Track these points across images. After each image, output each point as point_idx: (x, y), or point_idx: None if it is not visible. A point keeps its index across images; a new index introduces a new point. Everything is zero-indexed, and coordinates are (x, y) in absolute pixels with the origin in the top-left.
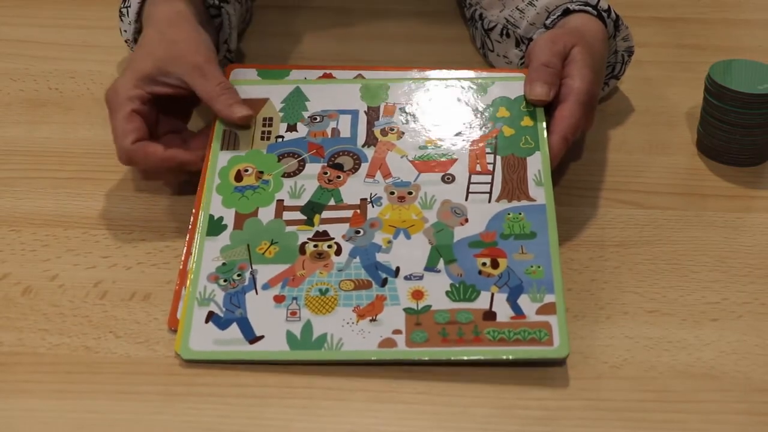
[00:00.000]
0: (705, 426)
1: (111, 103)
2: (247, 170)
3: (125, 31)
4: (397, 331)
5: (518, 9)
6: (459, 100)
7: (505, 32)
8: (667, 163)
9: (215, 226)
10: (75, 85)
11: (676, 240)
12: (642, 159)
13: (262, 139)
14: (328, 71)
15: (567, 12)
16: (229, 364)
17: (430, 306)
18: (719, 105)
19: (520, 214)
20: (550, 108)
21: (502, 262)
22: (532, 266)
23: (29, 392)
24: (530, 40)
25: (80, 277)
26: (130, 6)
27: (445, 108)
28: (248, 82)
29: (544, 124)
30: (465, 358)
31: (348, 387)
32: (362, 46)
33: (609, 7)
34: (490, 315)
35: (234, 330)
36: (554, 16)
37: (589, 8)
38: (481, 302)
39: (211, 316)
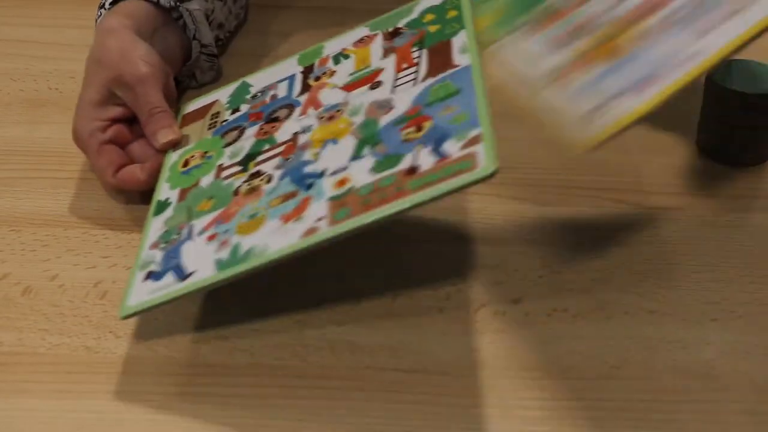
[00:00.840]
0: (705, 426)
1: (79, 145)
2: (193, 156)
3: None
4: (320, 219)
5: None
6: (387, 28)
7: None
8: (667, 163)
9: (161, 207)
10: (75, 85)
11: (676, 240)
12: (642, 159)
13: (209, 129)
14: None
15: None
16: (163, 305)
17: (353, 186)
18: (719, 105)
19: (445, 82)
20: None
21: (427, 124)
22: (457, 115)
23: (29, 392)
24: None
25: (80, 277)
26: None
27: (374, 39)
28: (201, 96)
29: (469, 5)
30: (389, 213)
31: (348, 387)
32: None
33: None
34: (412, 170)
35: (168, 278)
36: None
37: None
38: (405, 163)
39: (150, 275)
